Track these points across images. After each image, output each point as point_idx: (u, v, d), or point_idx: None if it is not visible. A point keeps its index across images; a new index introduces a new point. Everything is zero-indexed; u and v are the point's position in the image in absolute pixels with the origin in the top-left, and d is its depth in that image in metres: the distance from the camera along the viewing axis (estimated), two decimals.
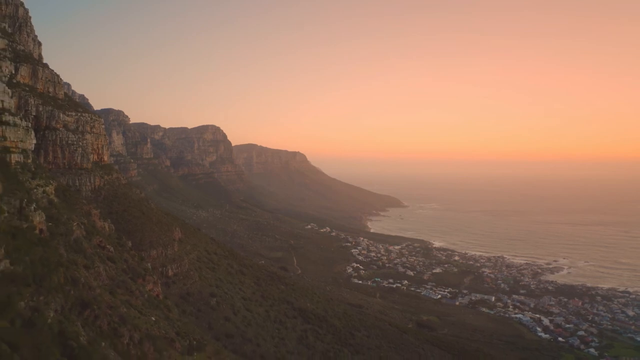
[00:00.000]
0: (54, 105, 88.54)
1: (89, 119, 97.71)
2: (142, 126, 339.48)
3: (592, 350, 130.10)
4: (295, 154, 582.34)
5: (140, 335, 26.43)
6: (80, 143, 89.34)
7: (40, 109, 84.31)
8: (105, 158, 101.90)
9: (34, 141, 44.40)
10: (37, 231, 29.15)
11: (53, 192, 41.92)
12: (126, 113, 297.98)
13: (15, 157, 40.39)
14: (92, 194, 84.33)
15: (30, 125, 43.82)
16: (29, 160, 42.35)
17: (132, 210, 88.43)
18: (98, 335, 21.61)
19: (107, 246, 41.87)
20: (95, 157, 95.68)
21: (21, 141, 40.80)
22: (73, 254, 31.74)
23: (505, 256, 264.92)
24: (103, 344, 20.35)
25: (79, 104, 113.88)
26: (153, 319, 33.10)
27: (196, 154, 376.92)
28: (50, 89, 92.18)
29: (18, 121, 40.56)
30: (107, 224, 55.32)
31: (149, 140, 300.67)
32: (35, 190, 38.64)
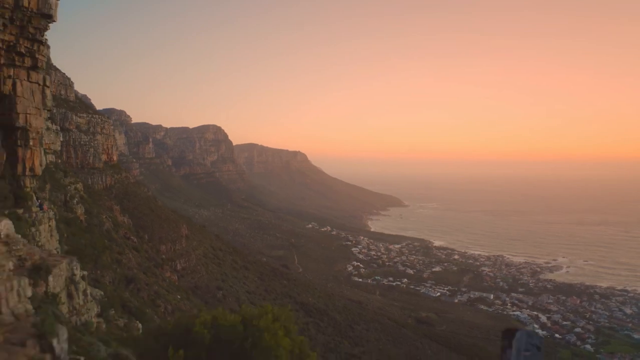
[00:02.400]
0: (66, 107, 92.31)
1: (99, 120, 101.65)
2: (144, 126, 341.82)
3: (588, 346, 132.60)
4: (296, 154, 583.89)
5: (172, 307, 30.34)
6: (92, 143, 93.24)
7: (54, 111, 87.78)
8: (115, 158, 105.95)
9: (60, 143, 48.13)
10: (79, 221, 33.12)
11: (82, 188, 45.82)
12: (128, 113, 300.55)
13: (49, 158, 43.93)
14: (104, 192, 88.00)
15: (58, 128, 47.60)
16: (59, 161, 46.06)
17: (142, 208, 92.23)
18: (141, 304, 25.47)
19: (132, 237, 45.75)
20: (106, 156, 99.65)
21: (53, 143, 44.49)
22: (108, 242, 35.57)
23: (504, 255, 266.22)
24: (148, 310, 24.21)
25: (88, 106, 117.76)
26: (179, 297, 37.07)
27: (197, 153, 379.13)
28: (62, 92, 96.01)
29: (50, 125, 44.25)
30: (126, 219, 59.08)
31: (150, 139, 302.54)
32: (69, 187, 42.46)
